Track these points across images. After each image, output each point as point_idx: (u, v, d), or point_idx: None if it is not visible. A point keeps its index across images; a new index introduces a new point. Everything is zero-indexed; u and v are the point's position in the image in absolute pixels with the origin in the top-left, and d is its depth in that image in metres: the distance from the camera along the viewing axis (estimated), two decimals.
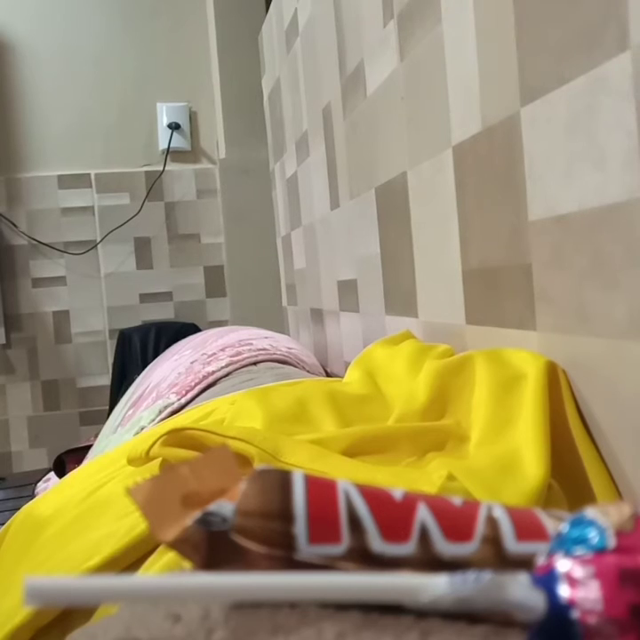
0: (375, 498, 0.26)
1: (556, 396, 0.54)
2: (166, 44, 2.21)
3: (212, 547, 0.25)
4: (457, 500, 0.28)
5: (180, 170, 2.23)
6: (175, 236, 2.22)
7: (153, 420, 0.87)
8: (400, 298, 0.91)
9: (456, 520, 0.26)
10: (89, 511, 0.55)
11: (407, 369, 0.71)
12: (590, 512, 0.24)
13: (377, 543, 0.25)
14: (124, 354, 2.06)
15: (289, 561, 0.25)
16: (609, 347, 0.50)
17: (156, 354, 1.64)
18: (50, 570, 0.48)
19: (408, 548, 0.25)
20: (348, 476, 0.40)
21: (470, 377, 0.60)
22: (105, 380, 2.17)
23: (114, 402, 1.66)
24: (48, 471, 1.51)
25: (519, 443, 0.50)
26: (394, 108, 0.86)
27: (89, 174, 2.17)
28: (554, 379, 0.55)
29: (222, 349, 1.09)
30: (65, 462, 1.31)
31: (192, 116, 2.24)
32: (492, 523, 0.26)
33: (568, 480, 0.51)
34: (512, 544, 0.26)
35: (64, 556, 0.49)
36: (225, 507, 0.25)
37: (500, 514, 0.27)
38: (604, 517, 0.24)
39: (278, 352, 1.12)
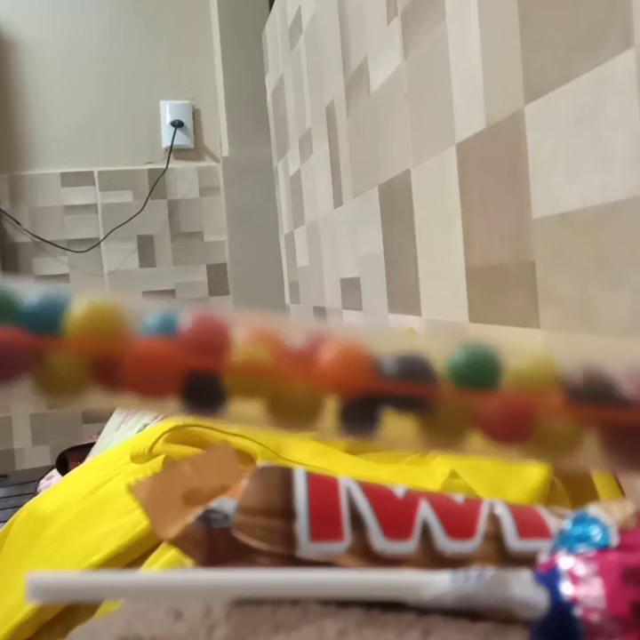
0: (377, 495, 0.26)
1: None
2: (169, 41, 2.21)
3: (214, 544, 0.25)
4: (459, 498, 0.28)
5: (183, 168, 2.23)
6: (178, 233, 2.22)
7: (156, 418, 0.87)
8: (403, 296, 0.91)
9: (458, 517, 0.26)
10: (91, 508, 0.55)
11: None
12: (593, 509, 0.24)
13: (379, 540, 0.25)
14: None
15: (290, 558, 0.25)
16: (612, 345, 0.50)
17: None
18: (52, 567, 0.48)
19: (410, 545, 0.25)
20: (350, 473, 0.40)
21: None
22: None
23: None
24: (51, 469, 1.51)
25: None
26: (397, 105, 0.86)
27: (92, 172, 2.17)
28: None
29: None
30: (67, 460, 1.31)
31: (195, 114, 2.24)
32: (494, 520, 0.26)
33: (570, 477, 0.51)
34: (514, 541, 0.26)
35: (67, 552, 0.49)
36: (227, 504, 0.25)
37: (502, 511, 0.27)
38: (607, 515, 0.23)
39: None
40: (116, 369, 0.22)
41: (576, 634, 0.21)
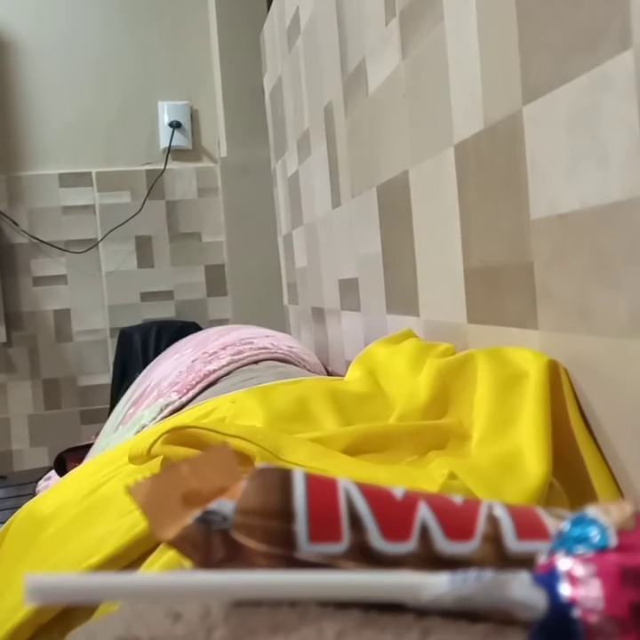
0: (376, 496, 0.26)
1: (558, 395, 0.54)
2: (168, 42, 2.21)
3: (213, 545, 0.25)
4: (458, 499, 0.28)
5: (181, 168, 2.23)
6: (176, 234, 2.22)
7: (154, 419, 0.87)
8: (401, 296, 0.91)
9: (457, 518, 0.26)
10: (90, 509, 0.55)
11: (408, 368, 0.71)
12: (591, 511, 0.24)
13: (377, 541, 0.25)
14: (125, 352, 2.06)
15: (289, 559, 0.25)
16: (610, 345, 0.50)
17: (157, 352, 1.64)
18: (51, 568, 0.48)
19: (409, 546, 0.25)
20: (348, 474, 0.40)
21: (472, 376, 0.60)
22: (106, 378, 2.17)
23: (114, 400, 1.66)
24: (49, 470, 1.51)
25: (520, 441, 0.50)
26: (395, 106, 0.86)
27: (90, 173, 2.17)
28: (555, 377, 0.55)
29: (223, 348, 1.09)
30: (66, 461, 1.31)
31: (193, 115, 2.24)
32: (492, 521, 0.26)
33: (569, 479, 0.51)
34: (513, 543, 0.26)
35: (65, 554, 0.48)
36: (225, 505, 0.25)
37: (500, 512, 0.27)
38: (606, 516, 0.23)
39: (279, 351, 1.11)
40: None
41: (575, 635, 0.21)
